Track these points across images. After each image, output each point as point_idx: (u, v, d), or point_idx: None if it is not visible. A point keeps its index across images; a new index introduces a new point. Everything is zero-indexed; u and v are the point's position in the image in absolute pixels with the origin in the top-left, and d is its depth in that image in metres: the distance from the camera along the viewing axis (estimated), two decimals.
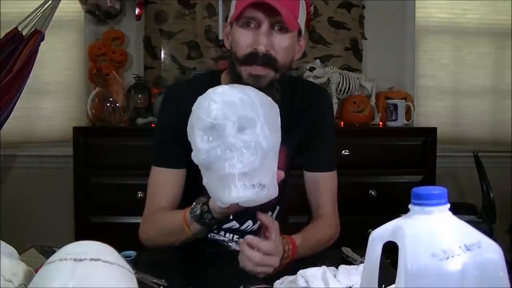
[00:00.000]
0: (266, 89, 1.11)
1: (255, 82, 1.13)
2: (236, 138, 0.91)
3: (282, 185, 1.00)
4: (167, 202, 1.23)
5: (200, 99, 0.96)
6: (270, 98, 1.00)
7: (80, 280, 0.62)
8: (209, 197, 1.06)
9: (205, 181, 0.96)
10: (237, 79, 1.17)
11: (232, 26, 1.19)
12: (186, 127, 1.23)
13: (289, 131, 1.20)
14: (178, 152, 1.22)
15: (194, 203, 1.09)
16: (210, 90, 0.95)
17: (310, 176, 1.32)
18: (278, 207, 1.36)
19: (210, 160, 0.92)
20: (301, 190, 1.33)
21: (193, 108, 0.96)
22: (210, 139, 0.93)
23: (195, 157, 0.95)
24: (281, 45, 1.15)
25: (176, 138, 1.22)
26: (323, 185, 1.30)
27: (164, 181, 1.24)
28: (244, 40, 1.15)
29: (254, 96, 0.96)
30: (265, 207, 1.31)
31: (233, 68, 1.20)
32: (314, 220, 1.27)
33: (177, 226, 1.12)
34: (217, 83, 1.23)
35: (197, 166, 0.98)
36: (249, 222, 1.31)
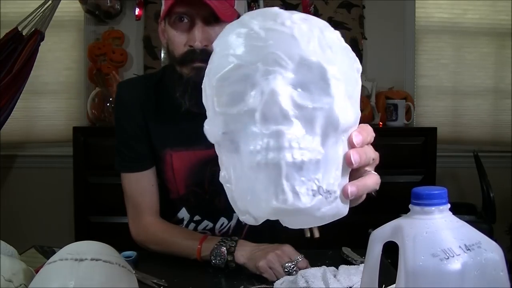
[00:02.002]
0: None
1: (197, 76, 1.05)
2: (288, 99, 0.49)
3: None
4: (151, 208, 1.23)
5: (229, 27, 0.54)
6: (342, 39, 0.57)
7: (81, 280, 0.63)
8: (235, 245, 1.07)
9: (222, 175, 0.54)
10: (178, 79, 1.12)
11: (165, 22, 1.13)
12: (139, 122, 1.18)
13: None
14: (144, 151, 1.22)
15: (215, 246, 1.08)
16: (247, 15, 0.54)
17: None
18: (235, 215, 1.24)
19: (236, 136, 0.51)
20: None
21: (214, 45, 0.56)
22: (239, 99, 0.51)
23: (211, 130, 0.54)
24: None
25: (137, 139, 1.21)
26: None
27: (142, 187, 1.23)
28: (178, 38, 1.09)
29: (320, 28, 0.54)
30: (216, 212, 1.24)
31: (174, 67, 1.14)
32: None
33: (188, 254, 1.13)
34: (169, 78, 1.20)
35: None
36: (223, 220, 1.26)
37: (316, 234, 0.69)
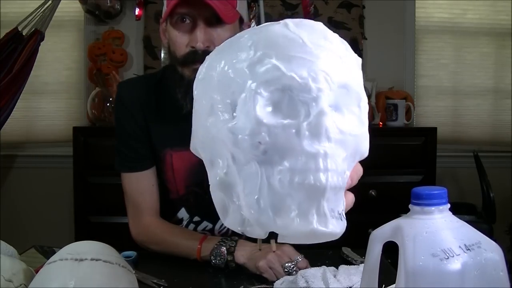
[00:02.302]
0: None
1: None
2: (332, 122, 0.48)
3: None
4: (151, 208, 1.23)
5: (269, 26, 0.51)
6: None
7: (81, 280, 0.63)
8: (235, 245, 1.07)
9: (220, 180, 0.51)
10: (180, 79, 1.13)
11: (167, 23, 1.13)
12: (140, 122, 1.19)
13: None
14: (144, 151, 1.22)
15: (215, 246, 1.09)
16: (289, 21, 0.50)
17: None
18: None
19: (273, 148, 0.47)
20: None
21: (249, 34, 0.51)
22: (278, 110, 0.48)
23: (238, 132, 0.48)
24: (220, 38, 1.06)
25: (137, 139, 1.21)
26: None
27: (142, 187, 1.23)
28: (180, 39, 1.09)
29: (346, 48, 0.53)
30: (216, 212, 1.24)
31: (175, 67, 1.15)
32: None
33: (188, 254, 1.13)
34: (169, 78, 1.20)
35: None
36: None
37: (274, 248, 0.69)
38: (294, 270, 1.00)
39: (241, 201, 0.49)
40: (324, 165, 0.47)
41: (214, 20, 1.07)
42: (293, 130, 0.47)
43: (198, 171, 1.19)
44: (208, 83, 0.51)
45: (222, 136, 0.49)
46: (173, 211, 1.28)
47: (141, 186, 1.23)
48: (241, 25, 1.18)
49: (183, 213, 1.28)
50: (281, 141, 0.47)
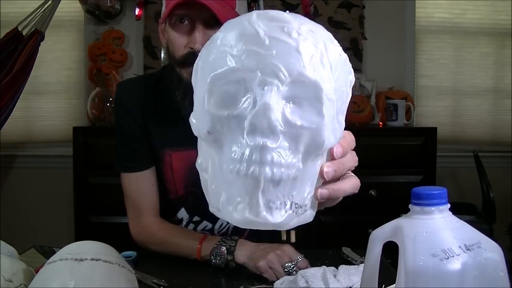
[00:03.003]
0: None
1: None
2: (279, 114, 0.50)
3: None
4: (151, 208, 1.23)
5: (235, 22, 0.54)
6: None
7: (81, 280, 0.63)
8: (235, 244, 1.07)
9: (199, 162, 0.57)
10: (178, 80, 1.13)
11: (166, 23, 1.13)
12: (140, 122, 1.19)
13: None
14: (144, 151, 1.22)
15: (215, 246, 1.09)
16: (255, 14, 0.53)
17: None
18: None
19: (221, 137, 0.52)
20: None
21: (215, 36, 0.55)
22: (230, 101, 0.51)
23: (197, 125, 0.55)
24: None
25: (136, 139, 1.21)
26: None
27: (142, 187, 1.23)
28: (179, 40, 1.10)
29: (325, 42, 0.53)
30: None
31: (173, 68, 1.15)
32: None
33: (188, 254, 1.14)
34: (168, 78, 1.20)
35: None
36: (222, 220, 1.25)
37: (293, 239, 0.71)
38: (294, 270, 1.01)
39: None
40: (262, 158, 0.49)
41: (213, 21, 1.07)
42: (236, 122, 0.50)
43: (197, 171, 1.19)
44: (196, 74, 0.57)
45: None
46: (172, 211, 1.28)
47: (140, 186, 1.23)
48: None
49: (182, 213, 1.28)
50: (226, 132, 0.51)
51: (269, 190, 0.50)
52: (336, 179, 0.57)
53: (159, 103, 1.22)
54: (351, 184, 0.58)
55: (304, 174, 0.52)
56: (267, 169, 0.49)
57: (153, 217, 1.24)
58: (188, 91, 1.09)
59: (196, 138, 0.56)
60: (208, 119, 0.52)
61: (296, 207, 0.52)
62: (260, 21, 0.51)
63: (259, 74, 0.49)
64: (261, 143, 0.49)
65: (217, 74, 0.51)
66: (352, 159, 0.58)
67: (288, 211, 0.51)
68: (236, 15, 1.11)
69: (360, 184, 0.60)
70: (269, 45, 0.49)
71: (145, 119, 1.21)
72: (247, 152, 0.49)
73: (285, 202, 0.51)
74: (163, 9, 1.13)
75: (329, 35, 0.55)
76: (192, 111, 0.56)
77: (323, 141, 0.51)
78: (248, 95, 0.50)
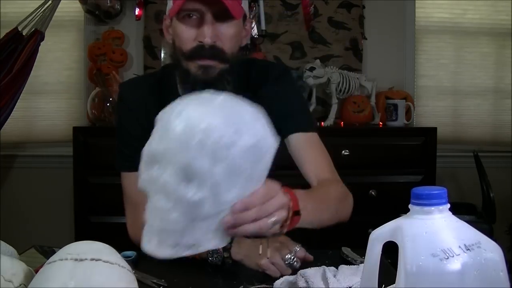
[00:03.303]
0: (217, 80, 1.08)
1: (205, 74, 1.08)
2: (171, 184, 0.71)
3: None
4: None
5: (180, 109, 0.75)
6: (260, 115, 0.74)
7: (81, 280, 0.63)
8: (231, 241, 1.06)
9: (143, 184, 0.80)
10: (185, 75, 1.13)
11: (172, 19, 1.13)
12: (143, 122, 1.19)
13: None
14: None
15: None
16: (176, 103, 0.76)
17: (289, 144, 1.19)
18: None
19: (148, 192, 0.78)
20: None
21: (159, 117, 0.80)
22: (153, 167, 0.76)
23: (140, 178, 0.79)
24: (227, 34, 1.08)
25: (139, 139, 1.21)
26: (302, 147, 1.18)
27: None
28: (187, 34, 1.09)
29: (234, 121, 0.71)
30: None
31: (179, 63, 1.14)
32: None
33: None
34: (170, 77, 1.20)
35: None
36: None
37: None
38: (295, 261, 1.01)
39: None
40: (155, 211, 0.79)
41: (222, 15, 1.07)
42: (153, 184, 0.77)
43: None
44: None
45: None
46: None
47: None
48: (245, 21, 1.18)
49: None
50: (150, 190, 0.79)
51: (160, 234, 0.77)
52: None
53: (161, 103, 1.22)
54: (257, 227, 0.74)
55: (197, 226, 0.73)
56: (156, 221, 0.80)
57: None
58: (194, 85, 1.09)
59: None
60: (141, 178, 0.81)
61: (185, 246, 0.74)
62: (185, 109, 0.75)
63: (168, 156, 0.74)
64: (159, 202, 0.77)
65: (149, 150, 0.79)
66: (272, 206, 0.75)
67: (176, 247, 0.75)
68: (242, 10, 1.12)
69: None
70: (173, 137, 0.74)
71: (149, 119, 1.21)
72: (150, 207, 0.81)
73: (175, 243, 0.74)
74: (170, 4, 1.13)
75: (251, 110, 0.74)
76: None
77: (204, 209, 0.71)
78: (160, 171, 0.76)
